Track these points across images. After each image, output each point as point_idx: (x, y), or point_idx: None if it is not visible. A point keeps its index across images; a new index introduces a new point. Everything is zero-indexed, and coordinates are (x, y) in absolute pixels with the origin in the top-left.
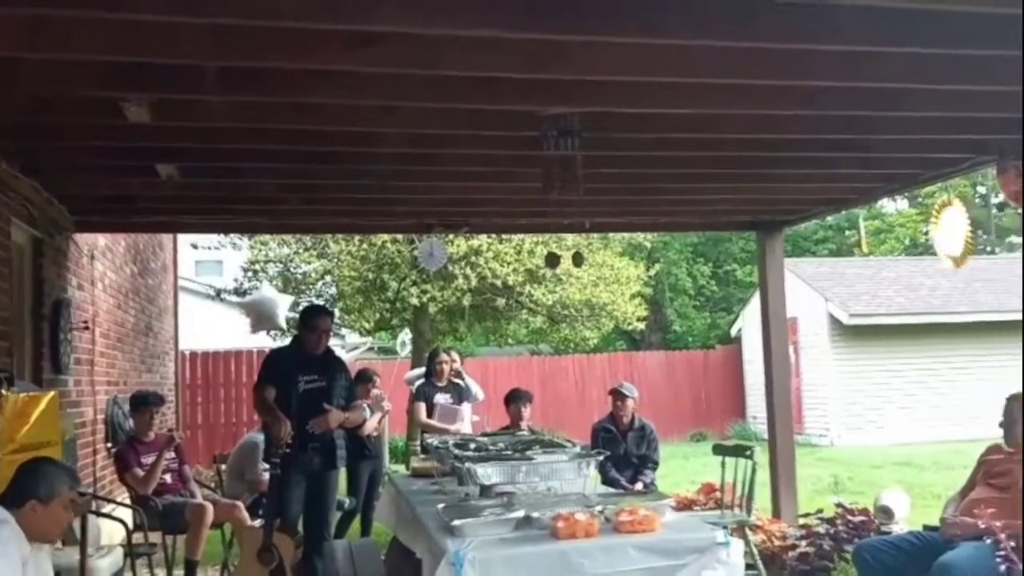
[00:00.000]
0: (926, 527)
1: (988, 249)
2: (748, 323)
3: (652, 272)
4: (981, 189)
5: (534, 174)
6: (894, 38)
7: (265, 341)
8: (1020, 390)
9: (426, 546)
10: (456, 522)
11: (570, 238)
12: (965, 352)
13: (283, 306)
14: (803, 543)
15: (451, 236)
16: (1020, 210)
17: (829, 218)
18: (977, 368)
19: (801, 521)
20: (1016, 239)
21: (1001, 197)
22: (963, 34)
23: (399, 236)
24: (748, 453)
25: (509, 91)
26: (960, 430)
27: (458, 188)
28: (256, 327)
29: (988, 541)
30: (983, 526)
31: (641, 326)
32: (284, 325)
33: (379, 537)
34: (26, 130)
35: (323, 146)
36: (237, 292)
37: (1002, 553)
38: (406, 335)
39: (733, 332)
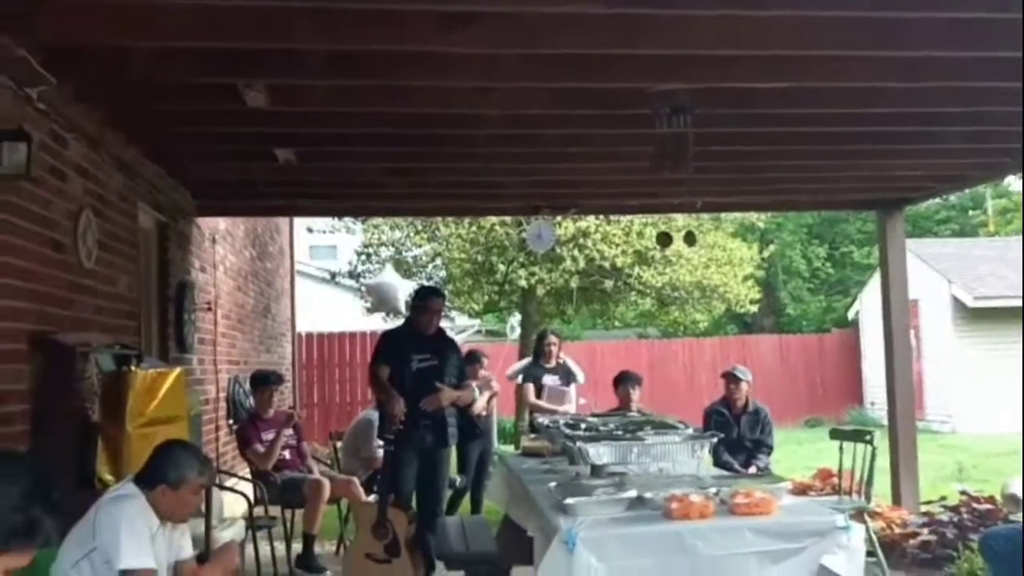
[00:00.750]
0: None
1: None
2: (866, 306)
3: (765, 254)
4: None
5: (642, 153)
6: (999, 3)
7: (378, 323)
8: None
9: (538, 524)
10: (569, 500)
11: (680, 219)
12: None
13: (403, 290)
14: (925, 531)
15: (559, 218)
16: None
17: (952, 197)
18: None
19: (923, 508)
20: None
21: None
22: None
23: (507, 219)
24: (868, 438)
25: (612, 68)
26: None
27: (565, 169)
28: (376, 308)
29: None
30: None
31: (754, 309)
32: (403, 308)
33: (489, 515)
34: (149, 116)
35: (425, 128)
36: (351, 275)
37: None
38: (515, 318)
39: (850, 316)
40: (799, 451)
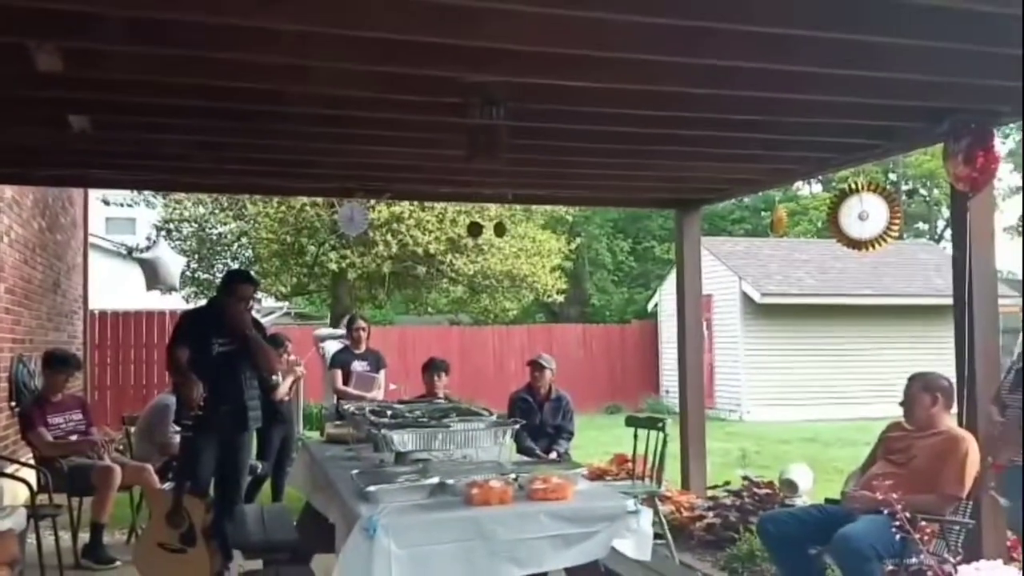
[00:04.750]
0: (828, 500)
1: (898, 235)
2: (664, 299)
3: (573, 246)
4: (892, 176)
5: (456, 142)
6: (807, 22)
7: (179, 303)
8: (920, 371)
9: (339, 512)
10: (370, 488)
11: (493, 208)
12: (871, 333)
13: (177, 266)
14: (710, 514)
15: (372, 201)
16: (970, 192)
17: (746, 199)
18: (882, 349)
19: (709, 493)
20: (922, 225)
21: (910, 184)
22: (875, 22)
23: (319, 200)
24: (660, 425)
25: (430, 56)
26: (864, 408)
27: (380, 153)
28: (151, 286)
29: (885, 513)
30: (881, 498)
31: (560, 299)
32: (178, 285)
33: (291, 502)
34: None
35: (236, 103)
36: (149, 251)
37: (897, 524)
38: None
39: (649, 308)
40: (599, 437)
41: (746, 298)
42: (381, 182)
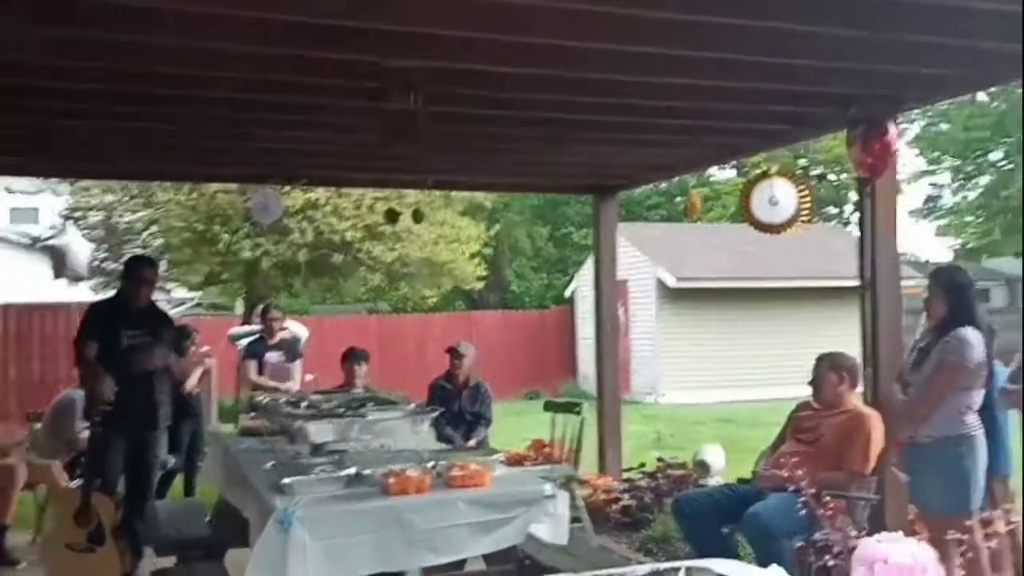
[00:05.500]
0: (739, 479)
1: (809, 219)
2: (582, 285)
3: (492, 232)
4: (802, 161)
5: (375, 127)
6: (719, 10)
7: (86, 294)
8: (828, 351)
9: (254, 505)
10: (285, 480)
11: (412, 195)
12: (783, 315)
13: (87, 253)
14: (626, 496)
15: (287, 188)
16: (871, 178)
17: (662, 185)
18: (793, 330)
19: (625, 475)
20: (832, 210)
21: (820, 169)
22: (783, 9)
23: (232, 187)
24: (577, 410)
25: (347, 40)
26: (777, 389)
27: (296, 138)
28: (58, 274)
29: (791, 490)
30: (786, 475)
31: (480, 286)
32: (86, 273)
33: (205, 497)
34: None
35: (144, 87)
36: (56, 238)
37: (802, 500)
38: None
39: (567, 293)
40: (518, 423)
41: (662, 283)
42: (296, 168)
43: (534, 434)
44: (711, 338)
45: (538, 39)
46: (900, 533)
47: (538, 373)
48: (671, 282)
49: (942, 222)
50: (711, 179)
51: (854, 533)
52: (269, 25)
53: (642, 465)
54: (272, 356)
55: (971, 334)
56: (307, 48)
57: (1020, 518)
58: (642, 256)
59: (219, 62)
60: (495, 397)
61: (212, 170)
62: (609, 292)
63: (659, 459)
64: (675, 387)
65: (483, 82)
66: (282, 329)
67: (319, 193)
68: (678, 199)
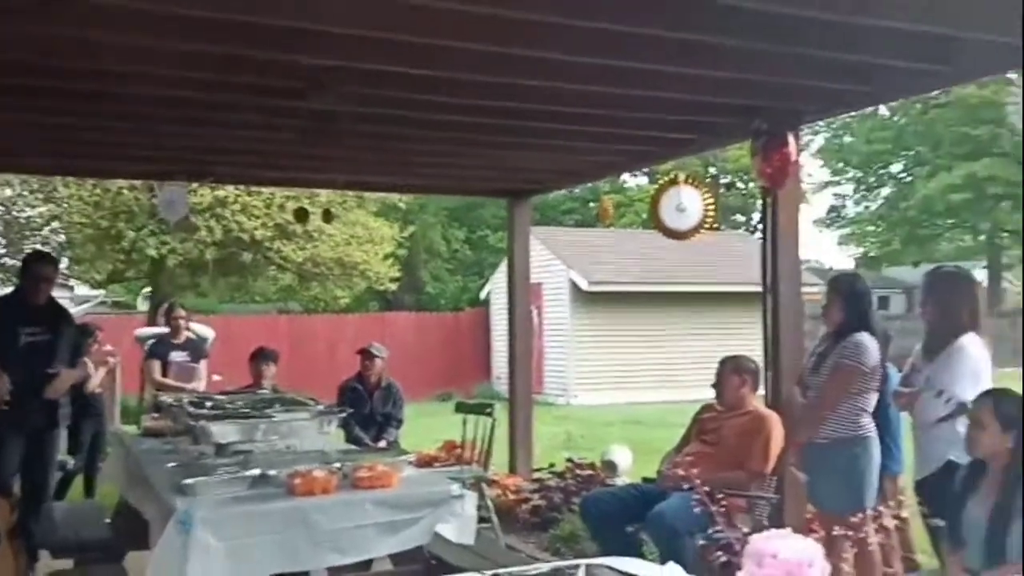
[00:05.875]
0: (645, 479)
1: (714, 226)
2: (497, 287)
3: (406, 233)
4: (712, 170)
5: (289, 126)
6: (629, 19)
7: None
8: (731, 354)
9: (155, 507)
10: (187, 481)
11: (324, 194)
12: (691, 319)
13: None
14: (535, 496)
15: (195, 185)
16: (770, 188)
17: (576, 190)
18: (702, 334)
19: (535, 476)
20: (739, 217)
21: (728, 178)
22: (693, 20)
23: (137, 183)
24: (488, 411)
25: (261, 38)
26: (685, 391)
27: (202, 135)
28: None
29: (686, 488)
30: (682, 474)
31: (393, 287)
32: None
33: (105, 499)
34: None
35: (48, 81)
36: None
37: (696, 498)
38: (148, 290)
39: (482, 295)
40: (431, 424)
41: (575, 286)
42: (205, 165)
43: (446, 435)
44: (622, 341)
45: (452, 43)
46: (789, 530)
47: (452, 375)
48: (584, 285)
49: (845, 231)
50: (624, 186)
51: (746, 530)
52: (183, 21)
53: (552, 466)
54: (177, 356)
55: (867, 339)
56: (220, 45)
57: (908, 515)
58: (556, 260)
59: (128, 56)
60: (408, 399)
61: (116, 166)
62: (522, 294)
63: (568, 460)
64: (587, 389)
65: (398, 83)
66: (187, 329)
67: (228, 191)
68: (592, 204)
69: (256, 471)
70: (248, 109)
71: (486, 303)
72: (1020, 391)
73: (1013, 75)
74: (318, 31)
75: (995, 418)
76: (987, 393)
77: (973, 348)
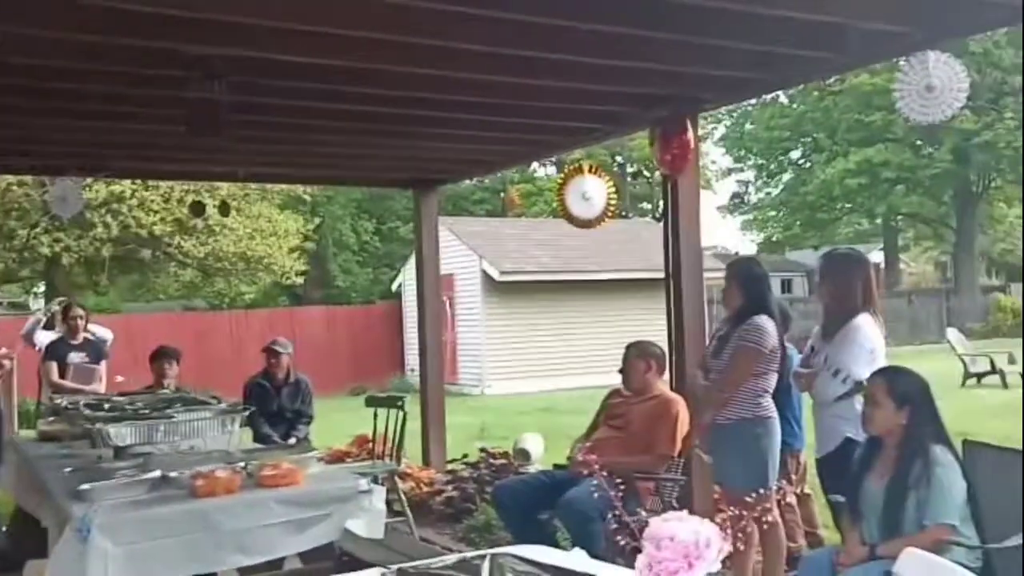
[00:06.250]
0: (556, 466)
1: (622, 214)
2: (408, 279)
3: (312, 226)
4: (619, 159)
5: (174, 117)
6: (524, 7)
7: None
8: (637, 340)
9: (52, 513)
10: (84, 486)
11: (225, 188)
12: (601, 306)
13: None
14: (449, 488)
15: (89, 180)
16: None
17: (486, 180)
18: (612, 320)
19: (448, 467)
20: (646, 205)
21: (635, 167)
22: (593, 10)
23: (28, 179)
24: (399, 404)
25: (146, 26)
26: (596, 377)
27: (96, 128)
28: None
29: (586, 473)
30: (580, 459)
31: (300, 281)
32: None
33: (1, 507)
34: None
35: None
36: None
37: (595, 483)
38: (40, 288)
39: (394, 288)
40: (344, 419)
41: (486, 276)
42: (97, 159)
43: (359, 430)
44: (534, 330)
45: (346, 31)
46: (685, 512)
47: (365, 368)
48: (496, 275)
49: (748, 217)
50: (535, 175)
51: (644, 513)
52: (65, 8)
53: (465, 456)
54: (75, 357)
55: (765, 321)
56: (105, 34)
57: (810, 491)
58: (467, 250)
59: (11, 46)
60: (320, 394)
61: (6, 162)
62: (432, 285)
63: (482, 450)
64: (501, 378)
65: (292, 72)
66: (85, 330)
67: (124, 185)
68: (503, 194)
69: (156, 473)
70: (138, 101)
71: (398, 295)
72: (913, 368)
73: (903, 61)
74: (201, 19)
75: (889, 396)
76: (881, 371)
77: (868, 327)
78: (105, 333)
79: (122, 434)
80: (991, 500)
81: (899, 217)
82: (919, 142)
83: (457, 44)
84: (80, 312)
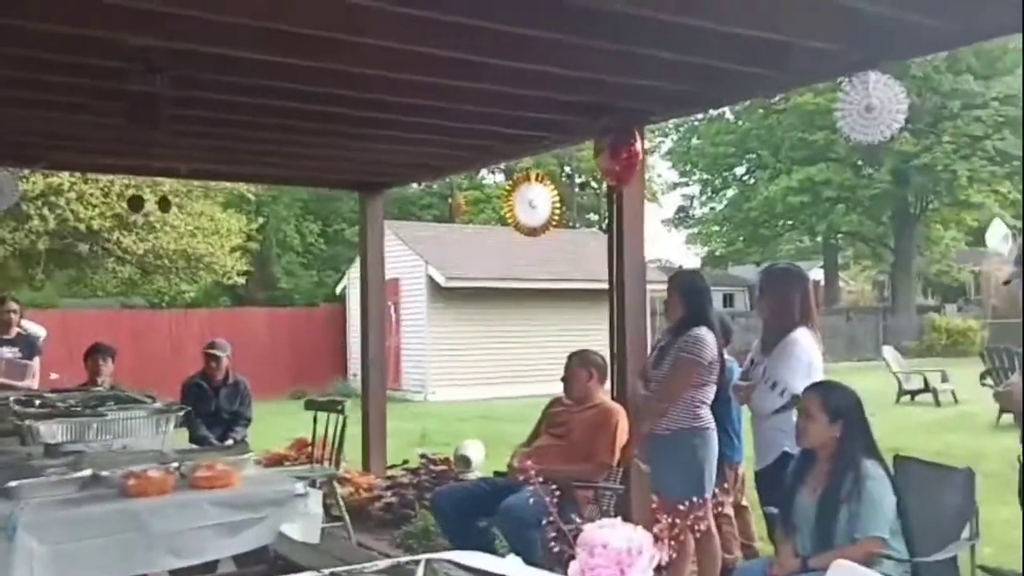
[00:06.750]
0: (496, 473)
1: (568, 224)
2: (352, 283)
3: (255, 226)
4: (568, 168)
5: (112, 109)
6: (473, 11)
7: None
8: (579, 349)
9: None
10: (11, 483)
11: (168, 184)
12: (546, 315)
13: None
14: (388, 493)
15: (25, 171)
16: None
17: (435, 185)
18: (555, 329)
19: (388, 473)
20: (593, 216)
21: (583, 177)
22: (541, 17)
23: None
24: (340, 408)
25: (85, 15)
26: (538, 386)
27: (32, 118)
28: None
29: (520, 479)
30: (516, 465)
31: (242, 281)
32: None
33: None
34: None
35: None
36: None
37: (530, 489)
38: None
39: (338, 291)
40: (283, 423)
41: (432, 282)
42: (36, 150)
43: (298, 433)
44: (478, 337)
45: (294, 28)
46: (619, 519)
47: (306, 372)
48: (442, 281)
49: (692, 231)
50: (483, 181)
51: (579, 521)
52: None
53: (405, 462)
54: (6, 352)
55: (705, 333)
56: (43, 21)
57: (747, 503)
58: (413, 255)
59: None
60: (260, 397)
61: None
62: (376, 289)
63: (422, 455)
64: (444, 384)
65: (235, 68)
66: (18, 325)
67: (63, 178)
68: (451, 200)
69: (87, 472)
70: (76, 91)
71: (342, 299)
72: (850, 384)
73: (844, 81)
74: (144, 9)
75: (822, 409)
76: (815, 386)
77: (805, 341)
78: (38, 330)
79: (53, 431)
80: (920, 514)
81: (839, 236)
82: (860, 162)
83: (404, 46)
84: (14, 307)
